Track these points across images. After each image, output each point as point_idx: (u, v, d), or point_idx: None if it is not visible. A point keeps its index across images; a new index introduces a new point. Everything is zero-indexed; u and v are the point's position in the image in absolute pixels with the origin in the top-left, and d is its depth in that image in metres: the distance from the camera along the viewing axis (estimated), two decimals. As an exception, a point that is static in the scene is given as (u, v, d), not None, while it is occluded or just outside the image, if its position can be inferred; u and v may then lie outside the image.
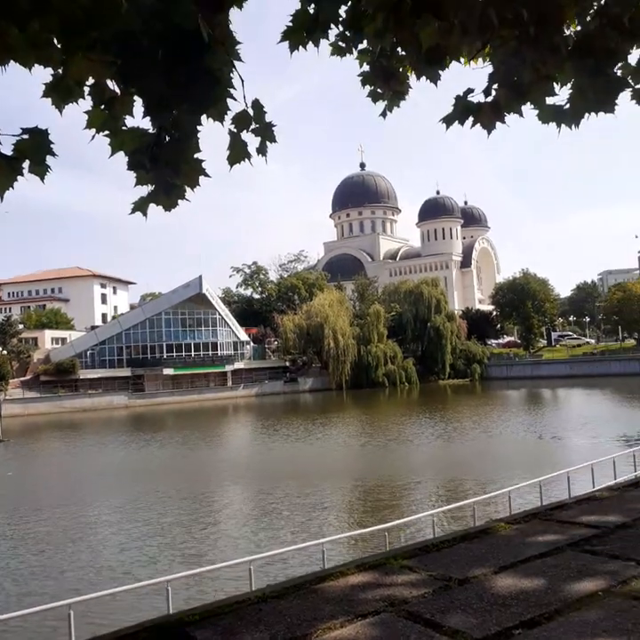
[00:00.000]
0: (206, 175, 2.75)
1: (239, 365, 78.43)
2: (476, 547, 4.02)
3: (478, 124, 3.51)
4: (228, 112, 2.70)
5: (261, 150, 2.94)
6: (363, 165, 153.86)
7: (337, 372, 77.05)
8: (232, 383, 77.06)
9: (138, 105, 2.67)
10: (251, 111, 2.84)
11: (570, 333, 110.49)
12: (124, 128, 2.66)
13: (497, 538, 4.19)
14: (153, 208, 2.82)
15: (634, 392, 56.21)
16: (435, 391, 73.45)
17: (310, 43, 3.26)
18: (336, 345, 76.48)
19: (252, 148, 2.92)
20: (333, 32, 3.38)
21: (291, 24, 3.17)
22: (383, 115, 3.90)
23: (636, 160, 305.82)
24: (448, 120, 3.52)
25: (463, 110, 3.48)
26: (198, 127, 2.70)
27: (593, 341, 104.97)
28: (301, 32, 3.20)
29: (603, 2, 3.45)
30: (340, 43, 3.50)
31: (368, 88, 3.78)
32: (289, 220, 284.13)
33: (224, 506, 20.72)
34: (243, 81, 2.67)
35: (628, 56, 3.57)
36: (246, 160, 2.89)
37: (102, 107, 2.63)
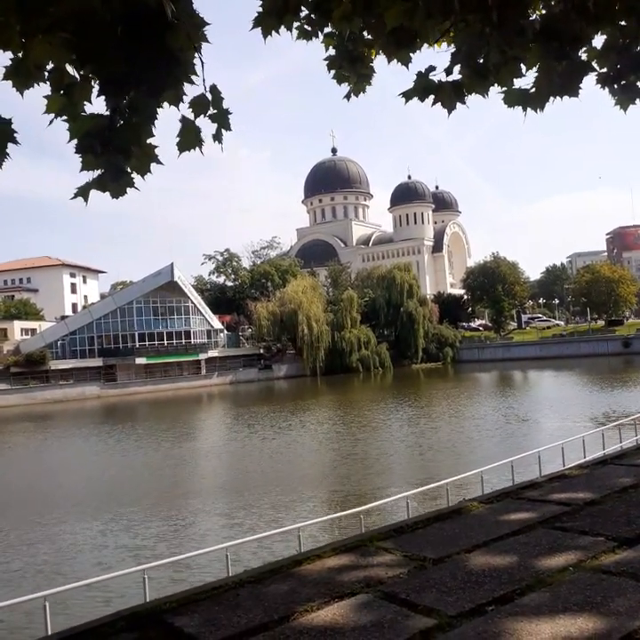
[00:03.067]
0: (158, 162, 2.65)
1: (213, 353, 78.03)
2: (449, 526, 4.08)
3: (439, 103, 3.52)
4: (184, 96, 2.62)
5: (217, 137, 2.84)
6: (334, 150, 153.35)
7: (311, 359, 77.20)
8: (206, 371, 76.64)
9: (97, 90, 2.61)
10: (209, 96, 2.76)
11: (540, 316, 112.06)
12: (83, 114, 2.58)
13: (470, 517, 4.25)
14: (110, 196, 2.72)
15: (602, 372, 57.33)
16: (408, 375, 74.07)
17: (282, 27, 3.23)
18: (310, 331, 76.54)
19: (206, 135, 2.81)
20: (300, 15, 3.35)
21: (261, 9, 3.13)
22: (348, 97, 3.88)
23: (604, 146, 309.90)
24: (408, 95, 3.51)
25: (424, 88, 3.48)
26: (156, 110, 2.61)
27: (562, 323, 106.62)
28: (273, 16, 3.16)
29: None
30: (306, 26, 3.47)
31: (334, 71, 3.77)
32: (261, 206, 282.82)
33: (193, 497, 20.61)
34: (203, 63, 2.61)
35: (593, 40, 3.61)
36: (197, 148, 2.77)
37: (61, 92, 2.56)
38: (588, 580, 3.02)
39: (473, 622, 2.68)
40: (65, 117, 2.56)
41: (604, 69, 3.70)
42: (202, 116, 2.78)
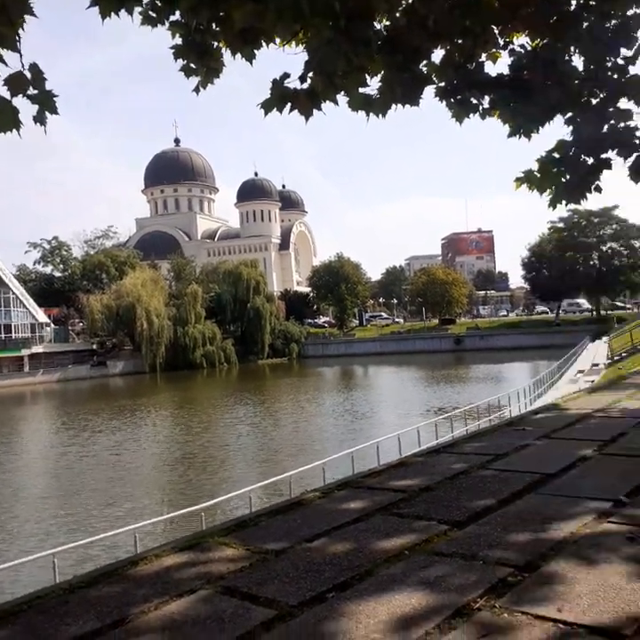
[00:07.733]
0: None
1: (37, 349, 72.57)
2: (291, 518, 4.09)
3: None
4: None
5: (39, 119, 2.66)
6: (177, 141, 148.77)
7: (151, 355, 74.58)
8: (29, 368, 71.12)
9: None
10: (28, 74, 2.56)
11: (381, 314, 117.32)
12: None
13: (311, 508, 4.29)
14: None
15: (436, 368, 61.17)
16: (253, 371, 74.35)
17: (123, 10, 3.05)
18: (150, 326, 74.01)
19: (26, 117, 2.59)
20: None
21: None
22: (196, 90, 3.77)
23: (440, 154, 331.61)
24: (266, 105, 3.50)
25: (280, 96, 3.48)
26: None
27: (401, 321, 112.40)
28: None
29: (410, 1, 3.61)
30: (151, 12, 3.31)
31: (181, 62, 3.65)
32: (96, 194, 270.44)
33: (14, 504, 19.04)
34: (19, 38, 2.40)
35: (432, 55, 3.79)
36: (14, 131, 2.56)
37: None
38: (422, 561, 3.14)
39: (313, 610, 2.69)
40: None
41: (442, 83, 3.91)
42: (20, 95, 2.56)
